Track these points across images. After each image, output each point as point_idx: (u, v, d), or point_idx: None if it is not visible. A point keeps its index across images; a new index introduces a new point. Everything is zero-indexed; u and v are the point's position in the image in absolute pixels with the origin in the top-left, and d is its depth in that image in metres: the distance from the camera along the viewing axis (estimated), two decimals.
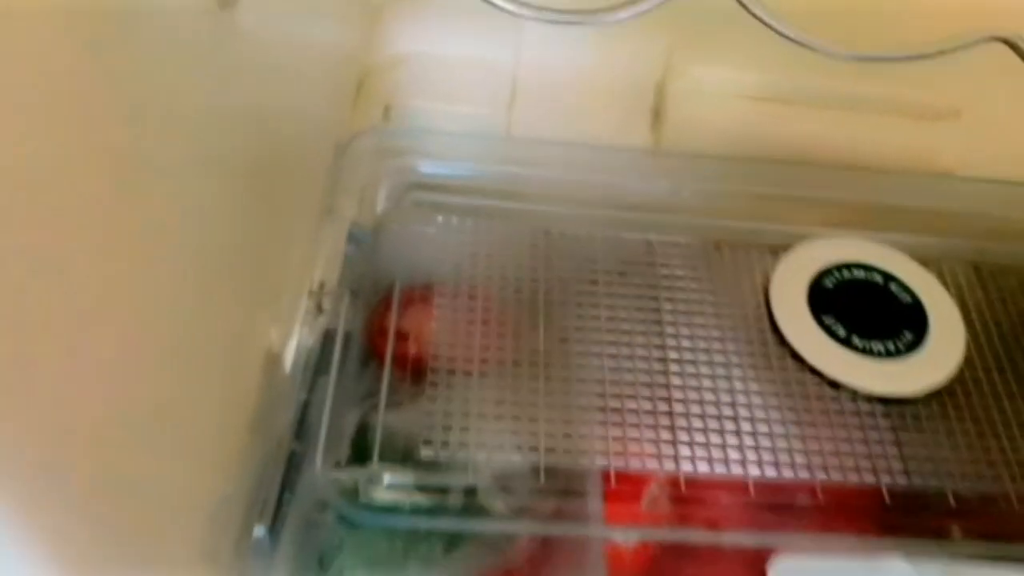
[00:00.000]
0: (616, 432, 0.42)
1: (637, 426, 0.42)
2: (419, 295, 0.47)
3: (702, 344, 0.46)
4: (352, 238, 0.48)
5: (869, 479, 0.42)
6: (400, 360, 0.44)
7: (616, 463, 0.41)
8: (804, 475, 0.42)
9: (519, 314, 0.46)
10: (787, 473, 0.42)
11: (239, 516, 0.39)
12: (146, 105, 0.28)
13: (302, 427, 0.42)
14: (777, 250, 0.50)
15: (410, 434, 0.42)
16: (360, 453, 0.42)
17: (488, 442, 0.41)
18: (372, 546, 0.41)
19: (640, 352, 0.45)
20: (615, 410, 0.43)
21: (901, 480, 0.42)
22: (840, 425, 0.44)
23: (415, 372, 0.44)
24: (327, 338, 0.45)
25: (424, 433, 0.41)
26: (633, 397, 0.43)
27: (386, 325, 0.46)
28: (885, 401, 0.45)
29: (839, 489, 0.42)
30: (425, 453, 0.41)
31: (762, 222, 0.51)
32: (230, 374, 0.40)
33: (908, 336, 0.47)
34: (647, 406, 0.43)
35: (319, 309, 0.46)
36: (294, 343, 0.45)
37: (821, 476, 0.42)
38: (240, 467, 0.40)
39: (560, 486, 0.40)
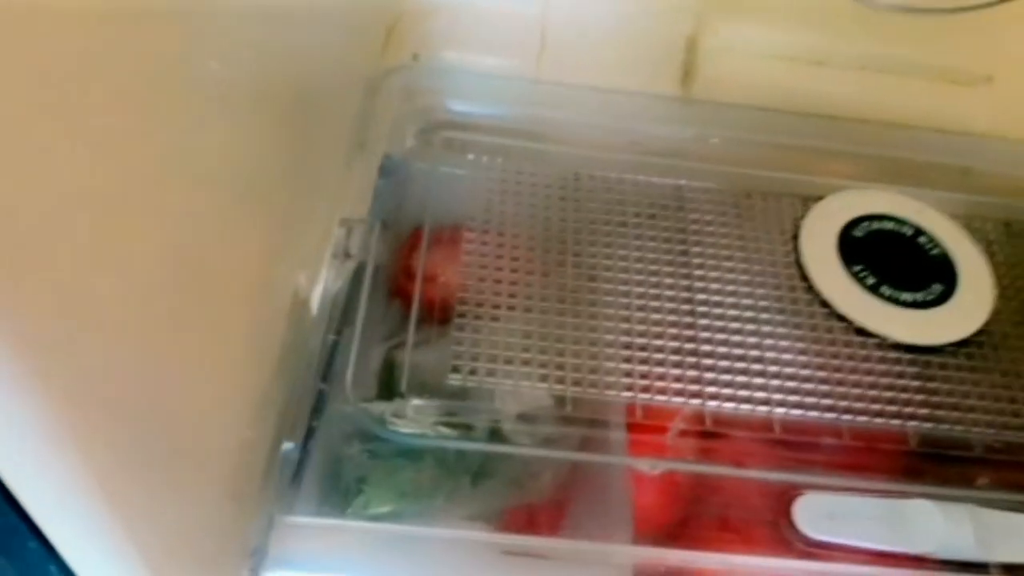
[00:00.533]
0: (642, 368, 0.42)
1: (663, 363, 0.42)
2: (447, 235, 0.47)
3: (730, 287, 0.46)
4: (384, 170, 0.47)
5: (895, 423, 0.42)
6: (428, 299, 0.44)
7: (641, 396, 0.41)
8: (829, 417, 0.42)
9: (547, 253, 0.46)
10: (812, 414, 0.42)
11: (264, 455, 0.39)
12: (179, 39, 0.28)
13: (330, 364, 0.42)
14: (808, 201, 0.50)
15: (436, 369, 0.42)
16: (386, 390, 0.42)
17: (514, 372, 0.41)
18: (398, 478, 0.41)
19: (667, 293, 0.45)
20: (641, 347, 0.43)
21: (927, 426, 0.42)
22: (867, 371, 0.44)
23: (442, 311, 0.44)
24: (356, 275, 0.45)
25: (451, 363, 0.41)
26: (660, 336, 0.43)
27: (413, 265, 0.45)
28: (912, 349, 0.45)
29: (864, 432, 0.41)
30: (452, 380, 0.41)
31: (794, 173, 0.51)
32: (260, 309, 0.40)
33: (937, 288, 0.47)
34: (673, 344, 0.43)
35: (347, 254, 0.46)
36: (322, 282, 0.45)
37: (847, 419, 0.42)
38: (267, 405, 0.40)
39: (585, 416, 0.40)
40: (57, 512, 0.26)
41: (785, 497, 0.39)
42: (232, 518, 0.38)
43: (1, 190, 0.19)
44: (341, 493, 0.42)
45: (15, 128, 0.20)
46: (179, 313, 0.30)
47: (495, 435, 0.41)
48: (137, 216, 0.26)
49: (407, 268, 0.46)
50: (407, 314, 0.44)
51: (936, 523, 0.38)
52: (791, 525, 0.38)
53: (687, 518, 0.39)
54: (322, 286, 0.45)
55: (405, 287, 0.45)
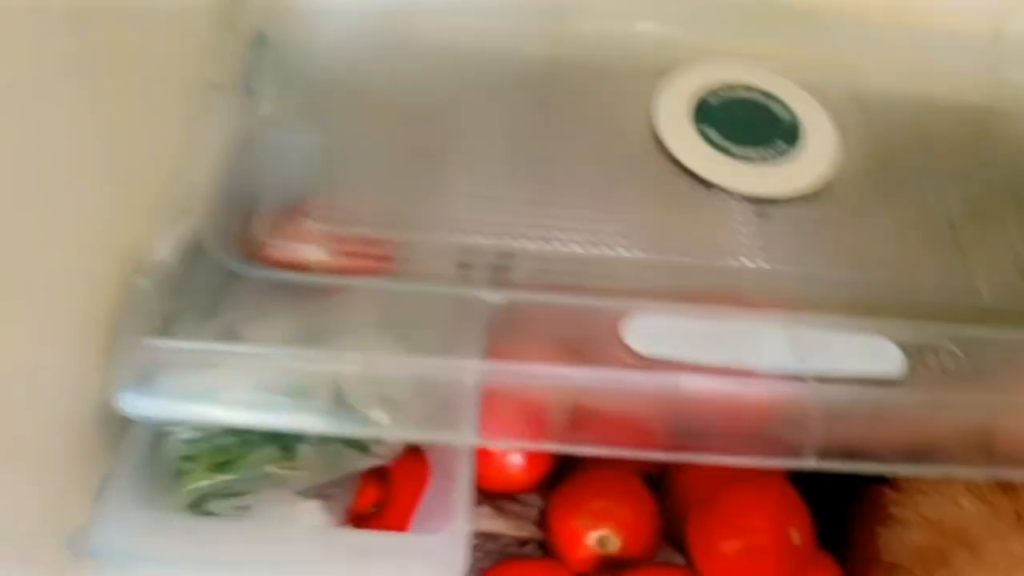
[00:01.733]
0: (491, 215, 0.45)
1: (511, 211, 0.45)
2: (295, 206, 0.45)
3: (584, 146, 0.49)
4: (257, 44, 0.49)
5: (730, 262, 0.45)
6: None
7: (489, 240, 0.44)
8: (668, 255, 0.45)
9: (412, 116, 0.49)
10: (651, 253, 0.45)
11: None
12: None
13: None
14: (665, 73, 0.53)
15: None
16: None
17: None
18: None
19: (524, 153, 0.48)
20: (496, 196, 0.46)
21: (760, 263, 0.45)
22: (708, 220, 0.47)
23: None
24: (195, 243, 0.43)
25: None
26: (509, 186, 0.46)
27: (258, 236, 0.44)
28: (754, 200, 0.48)
29: (699, 267, 0.44)
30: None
31: (649, 47, 0.54)
32: (91, 278, 0.39)
33: (782, 146, 0.50)
34: (521, 194, 0.46)
35: (187, 211, 0.43)
36: (163, 247, 0.43)
37: (685, 258, 0.45)
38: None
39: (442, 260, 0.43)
40: None
41: (617, 320, 0.41)
42: (57, 505, 0.38)
43: None
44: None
45: None
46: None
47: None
48: None
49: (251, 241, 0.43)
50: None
51: (754, 338, 0.41)
52: (621, 343, 0.41)
53: (528, 343, 0.42)
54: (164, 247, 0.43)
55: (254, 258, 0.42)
